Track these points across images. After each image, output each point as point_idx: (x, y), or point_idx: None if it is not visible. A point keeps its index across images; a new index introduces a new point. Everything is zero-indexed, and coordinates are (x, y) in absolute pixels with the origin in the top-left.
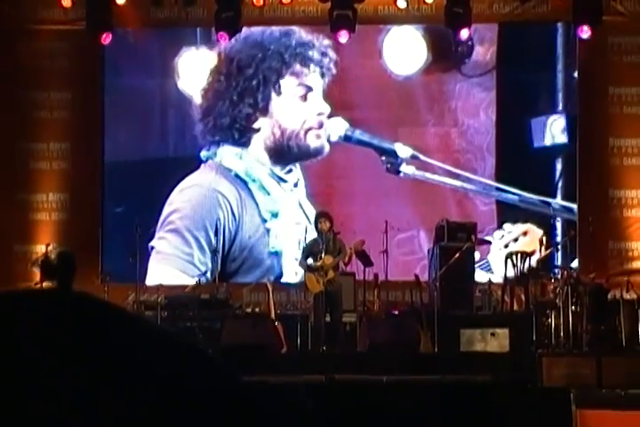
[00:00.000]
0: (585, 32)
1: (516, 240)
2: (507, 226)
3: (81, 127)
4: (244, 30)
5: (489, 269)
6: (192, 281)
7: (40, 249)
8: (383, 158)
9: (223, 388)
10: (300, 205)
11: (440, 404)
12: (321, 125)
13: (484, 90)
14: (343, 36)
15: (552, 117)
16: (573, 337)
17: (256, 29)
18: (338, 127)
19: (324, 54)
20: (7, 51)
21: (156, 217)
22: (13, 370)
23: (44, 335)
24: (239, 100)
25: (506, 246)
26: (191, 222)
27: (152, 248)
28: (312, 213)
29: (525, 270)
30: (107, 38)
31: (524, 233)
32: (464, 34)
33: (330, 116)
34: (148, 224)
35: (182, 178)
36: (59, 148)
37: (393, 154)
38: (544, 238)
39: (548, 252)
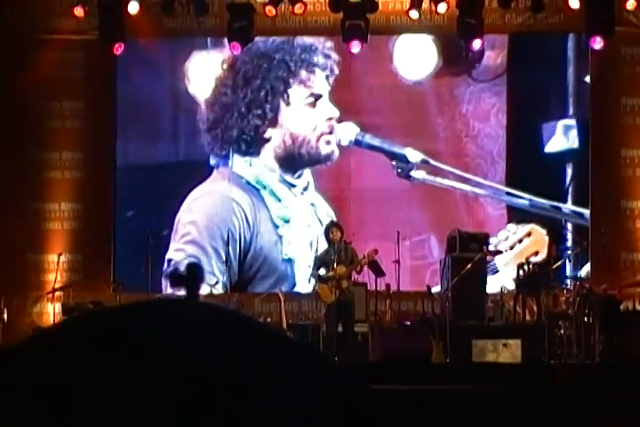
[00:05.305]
0: (598, 43)
1: (520, 241)
2: (510, 226)
3: (93, 137)
4: None
5: (496, 272)
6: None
7: (52, 258)
8: (394, 163)
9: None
10: (314, 208)
11: (453, 414)
12: (331, 130)
13: (495, 94)
14: (355, 47)
15: (563, 122)
16: (585, 348)
17: (259, 39)
18: (348, 132)
19: (327, 56)
20: (20, 60)
21: (167, 221)
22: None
23: (179, 342)
24: (247, 111)
25: (511, 248)
26: (208, 232)
27: (170, 261)
28: (325, 214)
29: (536, 278)
30: (119, 48)
31: (528, 234)
32: (476, 44)
33: (340, 121)
34: (158, 228)
35: (192, 182)
36: (71, 157)
37: (404, 159)
38: (554, 246)
39: (559, 263)
